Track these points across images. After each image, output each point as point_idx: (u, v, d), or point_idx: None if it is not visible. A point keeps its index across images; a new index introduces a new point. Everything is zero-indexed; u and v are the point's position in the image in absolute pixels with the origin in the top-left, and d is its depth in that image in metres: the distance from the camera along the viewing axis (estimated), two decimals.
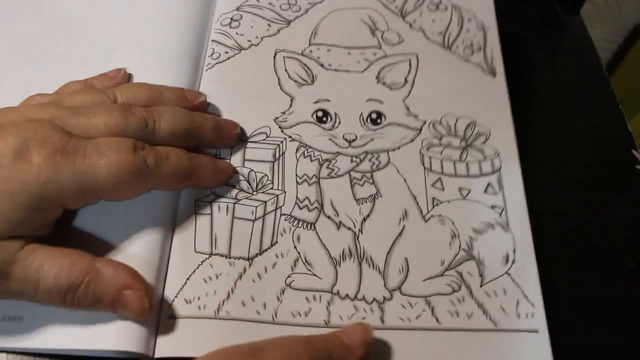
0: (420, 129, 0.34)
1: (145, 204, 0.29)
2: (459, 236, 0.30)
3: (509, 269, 0.29)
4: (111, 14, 0.38)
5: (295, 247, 0.30)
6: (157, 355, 0.26)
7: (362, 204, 0.31)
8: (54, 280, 0.24)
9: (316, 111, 0.34)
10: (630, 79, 0.81)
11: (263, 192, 0.31)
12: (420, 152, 0.33)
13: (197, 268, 0.29)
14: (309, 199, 0.31)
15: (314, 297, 0.28)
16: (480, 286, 0.29)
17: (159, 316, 0.27)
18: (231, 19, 0.39)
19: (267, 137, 0.33)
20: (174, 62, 0.35)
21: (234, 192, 0.31)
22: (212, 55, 0.37)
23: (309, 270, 0.29)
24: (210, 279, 0.28)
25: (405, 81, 0.36)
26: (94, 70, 0.33)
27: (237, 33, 0.38)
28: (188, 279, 0.28)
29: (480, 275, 0.29)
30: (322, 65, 0.36)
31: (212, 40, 0.37)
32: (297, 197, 0.31)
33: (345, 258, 0.29)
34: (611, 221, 0.34)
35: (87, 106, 0.28)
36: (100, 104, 0.28)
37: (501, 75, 0.37)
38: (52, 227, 0.26)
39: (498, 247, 0.30)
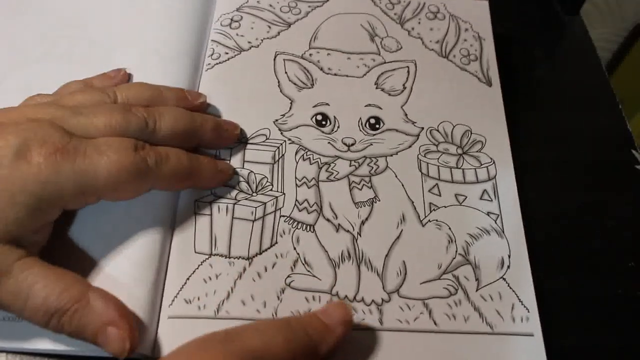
0: (418, 136, 0.35)
1: (145, 205, 0.29)
2: (455, 241, 0.31)
3: (504, 274, 0.30)
4: (111, 14, 0.38)
5: (294, 248, 0.30)
6: (157, 355, 0.27)
7: (361, 207, 0.32)
8: (43, 301, 0.23)
9: (315, 115, 0.35)
10: (630, 79, 0.81)
11: (262, 194, 0.32)
12: (418, 158, 0.34)
13: (197, 268, 0.29)
14: (308, 202, 0.32)
15: (314, 298, 0.29)
16: (476, 290, 0.30)
17: (159, 316, 0.28)
18: (231, 19, 0.39)
19: (266, 139, 0.34)
20: (174, 62, 0.36)
21: (234, 192, 0.32)
22: (212, 55, 0.37)
23: (309, 271, 0.30)
24: (210, 279, 0.29)
25: (404, 88, 0.37)
26: (94, 70, 0.34)
27: (237, 34, 0.38)
28: (188, 279, 0.29)
29: (477, 280, 0.30)
30: (321, 69, 0.37)
31: (212, 41, 0.38)
32: (296, 199, 0.32)
33: (344, 260, 0.30)
34: (611, 221, 0.35)
35: (88, 106, 0.28)
36: (100, 103, 0.29)
37: (497, 85, 0.38)
38: (51, 230, 0.27)
39: (493, 253, 0.31)
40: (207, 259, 0.30)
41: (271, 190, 0.32)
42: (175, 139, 0.29)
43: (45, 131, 0.25)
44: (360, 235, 0.31)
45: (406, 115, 0.36)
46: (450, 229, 0.31)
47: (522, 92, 0.41)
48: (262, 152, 0.33)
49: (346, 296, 0.29)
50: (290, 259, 0.30)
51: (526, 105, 0.40)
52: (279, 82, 0.36)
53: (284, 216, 0.31)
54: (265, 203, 0.31)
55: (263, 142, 0.34)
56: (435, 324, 0.29)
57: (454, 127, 0.36)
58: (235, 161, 0.33)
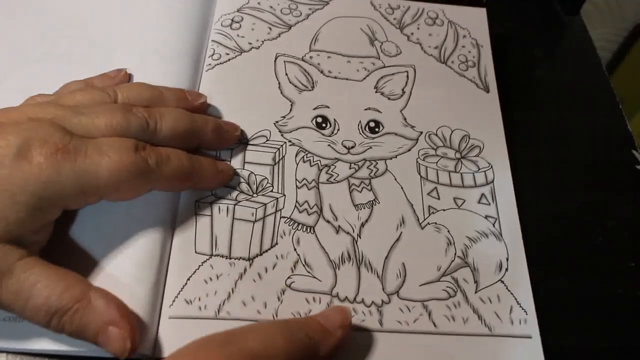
0: (417, 140, 0.36)
1: (146, 205, 0.30)
2: (454, 244, 0.32)
3: (503, 276, 0.31)
4: (111, 14, 0.39)
5: (295, 249, 0.31)
6: (157, 356, 0.27)
7: (361, 209, 0.33)
8: (44, 300, 0.24)
9: (316, 117, 0.36)
10: (630, 79, 0.81)
11: (263, 195, 0.32)
12: (417, 162, 0.35)
13: (198, 269, 0.30)
14: (308, 203, 0.32)
15: (314, 299, 0.29)
16: (475, 292, 0.31)
17: (160, 317, 0.28)
18: (232, 20, 0.39)
19: (267, 140, 0.34)
20: (174, 62, 0.36)
21: (234, 193, 0.32)
22: (212, 55, 0.38)
23: (309, 272, 0.30)
24: (211, 279, 0.29)
25: (403, 92, 0.38)
26: (94, 70, 0.34)
27: (237, 35, 0.39)
28: (188, 279, 0.29)
29: (475, 282, 0.31)
30: (322, 71, 0.38)
31: (213, 41, 0.38)
32: (296, 201, 0.32)
33: (344, 261, 0.31)
34: (611, 221, 0.35)
35: (88, 105, 0.28)
36: (101, 103, 0.29)
37: (494, 91, 0.39)
38: (51, 230, 0.27)
39: (492, 256, 0.32)
40: (208, 259, 0.30)
41: (271, 191, 0.32)
42: (176, 140, 0.30)
43: (46, 131, 0.25)
44: (360, 237, 0.31)
45: (405, 119, 0.36)
46: (449, 231, 0.32)
47: (522, 92, 0.41)
48: (263, 154, 0.34)
49: (346, 297, 0.30)
50: (290, 260, 0.30)
51: (526, 105, 0.40)
52: (279, 83, 0.37)
53: (284, 217, 0.32)
54: (265, 204, 0.32)
55: (263, 143, 0.34)
56: (434, 325, 0.29)
57: (452, 131, 0.36)
58: (236, 162, 0.33)
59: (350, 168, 0.34)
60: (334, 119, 0.35)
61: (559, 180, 0.36)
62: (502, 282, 0.31)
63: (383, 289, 0.30)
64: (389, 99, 0.37)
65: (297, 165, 0.34)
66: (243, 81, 0.37)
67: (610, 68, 0.85)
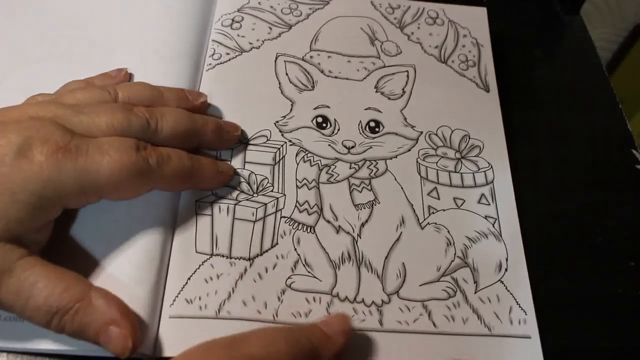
0: (417, 140, 0.36)
1: (147, 205, 0.30)
2: (454, 244, 0.32)
3: (502, 276, 0.31)
4: (111, 14, 0.39)
5: (295, 249, 0.31)
6: (158, 355, 0.27)
7: (361, 209, 0.33)
8: (44, 300, 0.24)
9: (316, 117, 0.36)
10: (630, 79, 0.81)
11: (263, 195, 0.32)
12: (417, 162, 0.35)
13: (198, 268, 0.30)
14: (308, 203, 0.32)
15: (314, 299, 0.29)
16: (475, 292, 0.31)
17: (160, 316, 0.28)
18: (232, 20, 0.39)
19: (267, 140, 0.34)
20: (175, 62, 0.36)
21: (235, 193, 0.32)
22: (212, 55, 0.38)
23: (309, 272, 0.30)
24: (211, 279, 0.29)
25: (403, 92, 0.38)
26: (94, 70, 0.34)
27: (238, 35, 0.39)
28: (189, 279, 0.29)
29: (475, 282, 0.31)
30: (322, 71, 0.38)
31: (213, 41, 0.38)
32: (297, 201, 0.33)
33: (345, 261, 0.31)
34: (611, 221, 0.35)
35: (89, 104, 0.28)
36: (102, 102, 0.29)
37: (494, 91, 0.39)
38: (52, 229, 0.27)
39: (491, 256, 0.32)
40: (208, 259, 0.30)
41: (272, 191, 0.32)
42: (177, 140, 0.30)
43: (47, 129, 0.25)
44: (360, 237, 0.32)
45: (405, 119, 0.36)
46: (449, 232, 0.32)
47: (522, 92, 0.41)
48: (263, 153, 0.34)
49: (346, 297, 0.30)
50: (290, 259, 0.30)
51: (526, 105, 0.41)
52: (279, 83, 0.37)
53: (284, 217, 0.32)
54: (266, 204, 0.32)
55: (264, 143, 0.34)
56: (434, 325, 0.29)
57: (452, 131, 0.36)
58: (236, 162, 0.33)
59: (350, 168, 0.34)
60: (334, 119, 0.35)
61: (559, 180, 0.36)
62: (502, 282, 0.31)
63: (383, 289, 0.30)
64: (389, 98, 0.37)
65: (298, 165, 0.34)
66: (243, 81, 0.37)
67: (610, 68, 0.85)
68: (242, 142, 0.34)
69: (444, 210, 0.33)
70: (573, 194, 0.36)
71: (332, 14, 0.41)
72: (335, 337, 0.26)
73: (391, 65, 0.39)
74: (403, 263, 0.31)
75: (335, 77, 0.37)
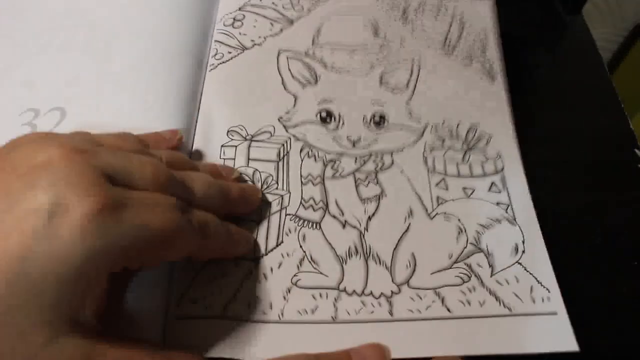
0: (423, 132, 0.35)
1: None
2: (465, 231, 0.32)
3: (520, 258, 0.31)
4: (114, 14, 0.38)
5: (300, 246, 0.31)
6: None
7: (367, 203, 0.32)
8: None
9: (320, 111, 0.35)
10: (631, 79, 0.82)
11: (268, 193, 0.32)
12: (423, 154, 0.35)
13: (203, 268, 0.29)
14: (313, 199, 0.32)
15: (321, 295, 0.29)
16: (491, 276, 0.30)
17: (166, 316, 0.28)
18: (234, 19, 0.40)
19: (271, 136, 0.34)
20: (179, 59, 0.36)
21: None
22: (215, 55, 0.38)
23: (315, 268, 0.30)
24: (217, 279, 0.29)
25: (408, 85, 0.37)
26: (97, 61, 0.33)
27: (240, 33, 0.39)
28: (194, 279, 0.29)
29: (490, 266, 0.30)
30: (325, 66, 0.38)
31: (215, 41, 0.38)
32: (302, 197, 0.32)
33: (352, 255, 0.31)
34: (613, 220, 0.35)
35: (132, 152, 0.25)
36: (141, 152, 0.26)
37: (500, 81, 0.38)
38: (105, 296, 0.23)
39: (506, 240, 0.31)
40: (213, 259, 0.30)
41: (276, 188, 0.32)
42: (208, 203, 0.27)
43: (83, 178, 0.21)
44: (367, 231, 0.31)
45: (410, 112, 0.36)
46: (459, 220, 0.32)
47: (524, 91, 0.41)
48: (267, 150, 0.34)
49: (354, 291, 0.29)
50: (296, 257, 0.30)
51: (527, 105, 0.41)
52: (282, 79, 0.37)
53: (289, 215, 0.32)
54: (270, 202, 0.32)
55: (268, 139, 0.34)
56: (448, 310, 0.29)
57: (458, 123, 0.36)
58: (240, 159, 0.33)
59: (355, 162, 0.34)
60: (339, 113, 0.35)
61: (560, 180, 0.36)
62: (520, 263, 0.30)
63: (392, 279, 0.30)
64: (393, 91, 0.37)
65: (302, 160, 0.33)
66: (246, 78, 0.37)
67: (610, 68, 0.86)
68: (245, 139, 0.34)
69: (453, 200, 0.33)
70: (574, 193, 0.36)
71: (334, 7, 0.41)
72: None
73: (395, 58, 0.38)
74: (412, 253, 0.31)
75: (339, 72, 0.37)
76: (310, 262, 0.30)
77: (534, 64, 0.44)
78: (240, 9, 0.40)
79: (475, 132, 0.36)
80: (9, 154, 0.22)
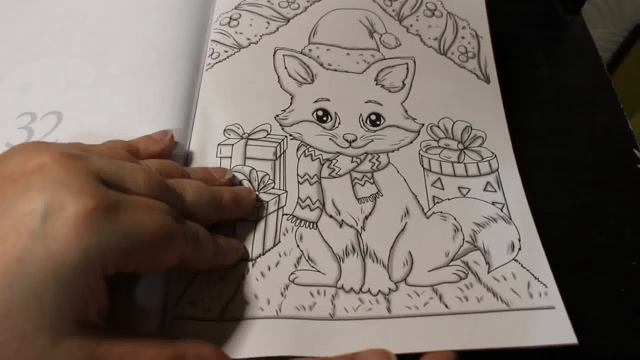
0: (419, 132, 0.36)
1: None
2: (461, 230, 0.32)
3: (516, 255, 0.31)
4: (112, 14, 0.39)
5: (298, 245, 0.31)
6: None
7: (364, 202, 0.33)
8: None
9: (316, 110, 0.36)
10: (630, 79, 0.82)
11: (265, 192, 0.32)
12: (419, 154, 0.35)
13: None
14: (310, 199, 0.32)
15: (318, 292, 0.29)
16: (488, 273, 0.30)
17: (164, 317, 0.28)
18: (230, 17, 0.40)
19: (267, 134, 0.34)
20: (175, 61, 0.37)
21: None
22: (211, 55, 0.38)
23: (313, 267, 0.30)
24: (215, 281, 0.29)
25: (403, 84, 0.38)
26: (93, 64, 0.34)
27: (236, 32, 0.39)
28: (193, 280, 0.29)
29: (487, 263, 0.31)
30: (321, 64, 0.38)
31: (212, 40, 0.39)
32: (298, 197, 0.32)
33: (349, 254, 0.31)
34: (612, 220, 0.35)
35: (121, 159, 0.25)
36: (131, 160, 0.26)
37: (495, 82, 0.39)
38: (108, 295, 0.23)
39: (502, 238, 0.32)
40: None
41: (273, 187, 0.32)
42: (200, 211, 0.27)
43: (77, 180, 0.21)
44: (364, 230, 0.31)
45: (406, 111, 0.37)
46: (455, 219, 0.32)
47: (523, 92, 0.42)
48: (264, 148, 0.34)
49: (352, 288, 0.29)
50: (293, 256, 0.30)
51: (527, 105, 0.41)
52: (279, 77, 0.37)
53: (286, 214, 0.32)
54: (267, 202, 0.32)
55: (264, 137, 0.34)
56: (446, 307, 0.29)
57: (454, 123, 0.37)
58: (237, 158, 0.33)
59: (352, 162, 0.34)
60: (335, 112, 0.36)
61: (560, 180, 0.37)
62: (516, 260, 0.31)
63: (390, 277, 0.30)
64: (389, 91, 0.37)
65: (299, 159, 0.34)
66: (243, 76, 0.37)
67: (610, 68, 0.86)
68: (242, 137, 0.34)
69: (449, 199, 0.33)
70: (574, 193, 0.36)
71: (330, 6, 0.41)
72: None
73: (391, 58, 0.39)
74: (409, 252, 0.31)
75: (335, 70, 0.38)
76: (307, 260, 0.30)
77: (534, 64, 0.44)
78: (236, 7, 0.41)
79: (470, 131, 0.36)
80: (2, 163, 0.22)
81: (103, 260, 0.21)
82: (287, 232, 0.31)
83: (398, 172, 0.34)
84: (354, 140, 0.35)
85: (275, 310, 0.28)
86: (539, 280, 0.30)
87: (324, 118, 0.35)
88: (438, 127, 0.36)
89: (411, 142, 0.35)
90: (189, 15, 0.39)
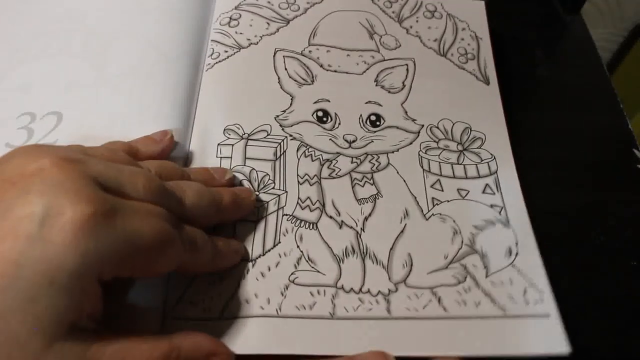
0: (418, 133, 0.36)
1: None
2: (460, 232, 0.32)
3: (513, 261, 0.31)
4: (111, 14, 0.39)
5: (298, 246, 0.31)
6: None
7: (363, 203, 0.33)
8: None
9: (316, 111, 0.36)
10: (630, 79, 0.83)
11: (265, 192, 0.32)
12: (419, 155, 0.35)
13: None
14: (310, 199, 0.33)
15: (318, 291, 0.29)
16: (486, 277, 0.31)
17: (164, 316, 0.28)
18: (230, 18, 0.40)
19: (267, 135, 0.35)
20: (175, 61, 0.37)
21: None
22: (211, 55, 0.38)
23: (313, 267, 0.30)
24: (215, 281, 0.29)
25: (403, 85, 0.38)
26: (93, 65, 0.34)
27: (236, 32, 0.39)
28: (192, 281, 0.29)
29: (485, 267, 0.31)
30: (321, 65, 0.38)
31: (212, 40, 0.39)
32: (298, 197, 0.33)
33: (349, 255, 0.31)
34: (612, 220, 0.36)
35: (121, 162, 0.25)
36: (132, 164, 0.26)
37: (494, 84, 0.39)
38: (102, 301, 0.23)
39: (500, 242, 0.32)
40: None
41: (273, 188, 0.33)
42: (200, 213, 0.27)
43: (75, 184, 0.21)
44: (363, 231, 0.32)
45: (406, 112, 0.37)
46: (454, 221, 0.32)
47: (523, 92, 0.42)
48: (264, 149, 0.34)
49: (352, 289, 0.30)
50: (293, 257, 0.30)
51: (526, 105, 0.41)
52: (279, 78, 0.37)
53: (286, 215, 0.32)
54: (267, 202, 0.32)
55: (264, 138, 0.34)
56: (445, 310, 0.29)
57: (453, 124, 0.37)
58: (237, 158, 0.33)
59: (352, 162, 0.34)
60: (335, 113, 0.36)
61: (559, 180, 0.37)
62: (514, 266, 0.31)
63: (389, 278, 0.30)
64: (389, 92, 0.37)
65: (299, 160, 0.34)
66: (243, 77, 0.37)
67: (610, 68, 0.86)
68: (242, 137, 0.34)
69: (448, 201, 0.33)
70: (573, 194, 0.36)
71: (330, 8, 0.41)
72: None
73: (391, 59, 0.39)
74: (409, 253, 0.31)
75: (335, 71, 0.38)
76: (307, 261, 0.30)
77: (534, 64, 0.44)
78: (236, 7, 0.41)
79: (470, 133, 0.36)
80: (2, 165, 0.22)
81: (100, 266, 0.21)
82: (287, 232, 0.31)
83: (398, 173, 0.34)
84: (354, 141, 0.35)
85: (275, 309, 0.29)
86: (535, 287, 0.30)
87: (324, 119, 0.36)
88: (438, 128, 0.36)
89: (411, 143, 0.35)
90: (189, 15, 0.39)
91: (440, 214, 0.33)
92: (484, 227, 0.32)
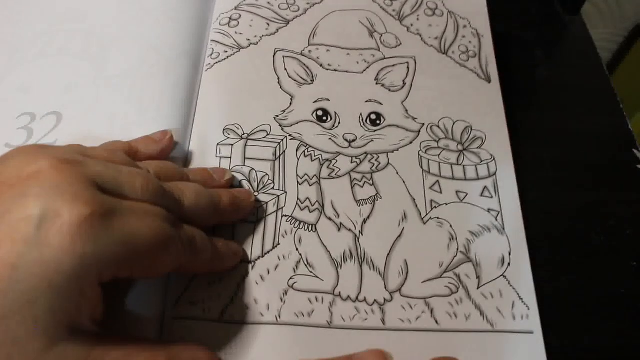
0: (419, 132, 0.35)
1: None
2: (456, 239, 0.32)
3: (505, 271, 0.31)
4: (110, 14, 0.39)
5: (297, 249, 0.31)
6: None
7: (363, 205, 0.32)
8: None
9: (316, 110, 0.35)
10: (630, 79, 0.82)
11: (264, 193, 0.32)
12: (419, 154, 0.35)
13: None
14: (309, 200, 0.32)
15: (317, 299, 0.29)
16: (477, 288, 0.30)
17: (163, 317, 0.28)
18: (230, 18, 0.40)
19: (267, 135, 0.34)
20: (175, 61, 0.36)
21: None
22: (211, 55, 0.38)
23: (311, 272, 0.30)
24: (214, 282, 0.29)
25: (404, 84, 0.37)
26: (93, 65, 0.34)
27: (236, 32, 0.39)
28: (192, 281, 0.29)
29: (477, 277, 0.31)
30: (321, 65, 0.38)
31: (212, 40, 0.38)
32: (298, 198, 0.32)
33: (347, 260, 0.31)
34: (612, 220, 0.35)
35: (120, 163, 0.25)
36: (130, 165, 0.26)
37: (496, 82, 0.38)
38: (102, 303, 0.22)
39: (494, 250, 0.32)
40: None
41: (272, 188, 0.32)
42: (198, 214, 0.27)
43: (73, 187, 0.21)
44: (362, 234, 0.31)
45: (406, 111, 0.36)
46: (451, 226, 0.32)
47: (523, 92, 0.42)
48: (263, 149, 0.34)
49: (349, 297, 0.29)
50: (292, 260, 0.30)
51: (526, 105, 0.41)
52: (278, 78, 0.37)
53: (285, 216, 0.32)
54: (267, 203, 0.32)
55: (264, 138, 0.34)
56: (436, 322, 0.29)
57: (454, 123, 0.36)
58: (236, 158, 0.33)
59: (351, 162, 0.34)
60: (335, 112, 0.35)
61: (559, 180, 0.37)
62: (505, 277, 0.31)
63: (385, 287, 0.30)
64: (389, 90, 0.37)
65: (298, 160, 0.33)
66: (242, 77, 0.37)
67: (610, 68, 0.86)
68: (242, 137, 0.34)
69: (446, 204, 0.33)
70: (573, 194, 0.36)
71: (330, 8, 0.41)
72: None
73: (391, 57, 0.38)
74: (405, 260, 0.31)
75: (335, 70, 0.37)
76: (306, 265, 0.30)
77: (533, 64, 0.44)
78: (236, 8, 0.40)
79: (470, 132, 0.36)
80: None
81: (98, 268, 0.21)
82: (286, 234, 0.31)
83: (397, 173, 0.34)
84: (353, 140, 0.34)
85: (275, 316, 0.28)
86: (522, 301, 0.30)
87: (324, 118, 0.35)
88: (438, 127, 0.36)
89: (411, 143, 0.35)
90: (189, 15, 0.39)
91: (438, 218, 0.32)
92: (480, 233, 0.32)
